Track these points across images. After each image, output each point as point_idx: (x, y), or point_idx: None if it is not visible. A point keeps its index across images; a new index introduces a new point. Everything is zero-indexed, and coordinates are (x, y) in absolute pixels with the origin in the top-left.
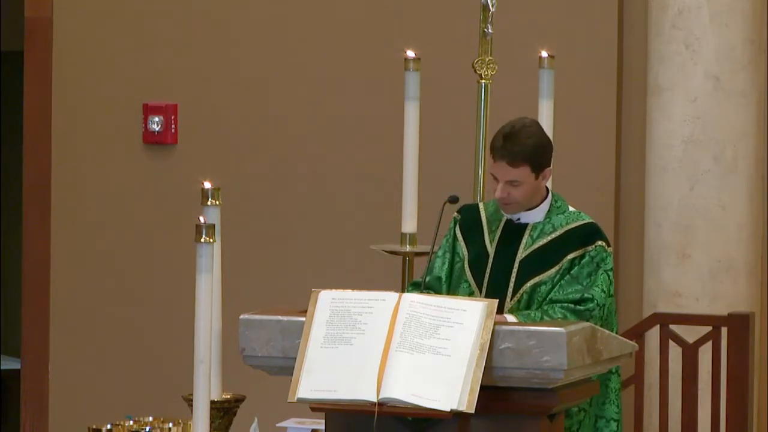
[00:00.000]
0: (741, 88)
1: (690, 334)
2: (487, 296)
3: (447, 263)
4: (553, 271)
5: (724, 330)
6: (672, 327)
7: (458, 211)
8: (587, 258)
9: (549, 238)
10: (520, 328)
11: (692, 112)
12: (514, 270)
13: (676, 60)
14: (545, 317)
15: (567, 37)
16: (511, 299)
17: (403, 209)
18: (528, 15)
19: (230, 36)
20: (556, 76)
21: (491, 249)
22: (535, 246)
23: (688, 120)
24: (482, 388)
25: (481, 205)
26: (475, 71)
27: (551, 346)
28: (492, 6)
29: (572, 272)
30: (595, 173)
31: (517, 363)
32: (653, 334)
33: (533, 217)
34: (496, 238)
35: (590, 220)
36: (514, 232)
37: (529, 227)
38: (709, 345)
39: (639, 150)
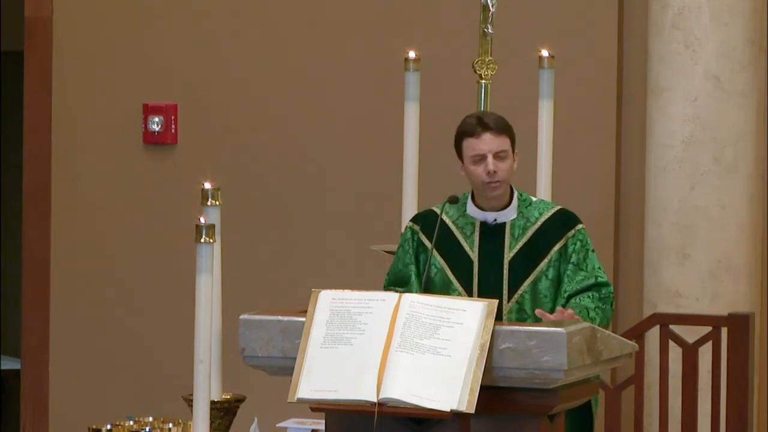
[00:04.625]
0: (741, 88)
1: (690, 334)
2: None
3: (415, 275)
4: (544, 264)
5: (724, 330)
6: (672, 327)
7: (413, 221)
8: (578, 245)
9: (530, 233)
10: (521, 328)
11: (692, 112)
12: (505, 271)
13: (676, 60)
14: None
15: (567, 37)
16: (508, 300)
17: (403, 209)
18: (528, 15)
19: (230, 36)
20: (556, 76)
21: (473, 254)
22: (520, 244)
23: (688, 120)
24: (482, 388)
25: (438, 211)
26: (475, 71)
27: (551, 346)
28: (492, 6)
29: (572, 260)
30: (595, 173)
31: (517, 363)
32: (653, 334)
33: (508, 215)
34: (476, 242)
35: (559, 206)
36: (492, 233)
37: (507, 226)
38: (709, 345)
39: (639, 150)
